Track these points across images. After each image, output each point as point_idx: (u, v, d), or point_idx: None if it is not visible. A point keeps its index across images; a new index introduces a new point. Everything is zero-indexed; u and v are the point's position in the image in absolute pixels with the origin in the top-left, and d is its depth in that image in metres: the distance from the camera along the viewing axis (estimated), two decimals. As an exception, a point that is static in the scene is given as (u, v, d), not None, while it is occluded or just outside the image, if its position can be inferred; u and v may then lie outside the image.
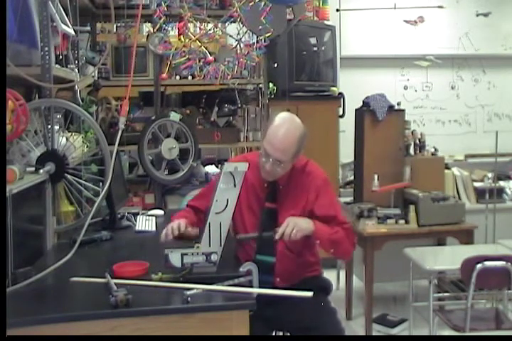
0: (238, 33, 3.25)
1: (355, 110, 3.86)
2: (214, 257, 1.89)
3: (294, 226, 2.05)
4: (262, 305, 1.75)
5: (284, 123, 2.16)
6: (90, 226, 2.32)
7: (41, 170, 2.26)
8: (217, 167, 4.12)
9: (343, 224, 2.23)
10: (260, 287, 1.95)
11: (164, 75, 3.68)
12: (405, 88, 5.63)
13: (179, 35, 3.45)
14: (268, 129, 2.17)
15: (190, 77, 3.78)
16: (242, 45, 3.27)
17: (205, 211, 2.21)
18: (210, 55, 3.26)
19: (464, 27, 5.54)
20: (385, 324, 3.55)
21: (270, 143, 2.13)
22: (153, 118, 3.71)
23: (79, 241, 2.01)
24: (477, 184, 4.17)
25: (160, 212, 3.07)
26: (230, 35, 3.33)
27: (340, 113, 4.67)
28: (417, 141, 3.89)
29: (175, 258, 1.88)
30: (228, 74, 3.25)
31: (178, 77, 3.89)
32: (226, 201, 1.98)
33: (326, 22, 4.73)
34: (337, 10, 5.14)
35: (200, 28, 3.23)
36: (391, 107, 3.79)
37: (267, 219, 2.23)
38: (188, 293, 1.72)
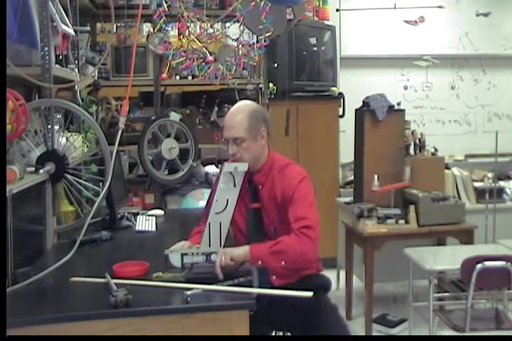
0: (241, 33, 3.26)
1: (355, 110, 3.86)
2: (214, 257, 1.89)
3: (226, 256, 1.94)
4: (261, 305, 1.75)
5: (234, 107, 2.25)
6: (90, 226, 2.32)
7: (41, 170, 2.26)
8: (217, 167, 4.12)
9: (304, 219, 2.08)
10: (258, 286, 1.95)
11: (164, 75, 3.68)
12: (405, 88, 5.64)
13: (179, 35, 3.46)
14: None
15: (190, 77, 3.78)
16: (240, 45, 3.26)
17: None
18: (210, 55, 3.26)
19: (464, 27, 5.54)
20: (385, 324, 3.55)
21: (224, 127, 2.22)
22: (153, 118, 3.71)
23: (79, 241, 2.01)
24: (477, 184, 4.16)
25: (160, 212, 3.07)
26: (227, 35, 3.33)
27: (340, 113, 4.68)
28: (417, 141, 3.89)
29: (175, 258, 1.88)
30: (227, 74, 3.24)
31: (178, 77, 3.89)
32: (226, 201, 1.98)
33: (326, 22, 4.73)
34: (337, 10, 5.14)
35: (200, 27, 3.23)
36: (391, 107, 3.79)
37: (253, 219, 2.25)
38: (188, 293, 1.72)
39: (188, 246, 2.09)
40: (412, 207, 3.47)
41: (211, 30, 3.23)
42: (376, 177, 3.57)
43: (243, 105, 2.27)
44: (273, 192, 2.23)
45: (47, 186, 2.36)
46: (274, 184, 2.24)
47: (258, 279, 1.95)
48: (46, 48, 2.30)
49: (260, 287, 1.95)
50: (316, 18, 4.68)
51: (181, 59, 3.17)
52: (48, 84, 2.32)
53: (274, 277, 2.15)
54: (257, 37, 3.31)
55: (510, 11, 5.65)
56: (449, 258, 3.32)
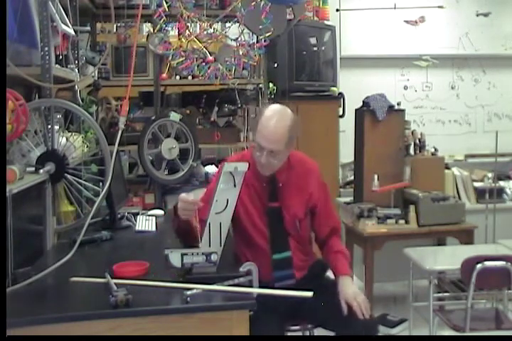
0: (241, 33, 3.26)
1: (355, 110, 3.86)
2: (214, 257, 1.89)
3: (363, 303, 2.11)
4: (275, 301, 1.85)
5: (274, 114, 2.17)
6: (90, 226, 2.32)
7: (41, 170, 2.26)
8: (217, 167, 4.12)
9: (336, 221, 2.43)
10: (282, 282, 2.18)
11: (164, 75, 3.68)
12: (405, 88, 5.63)
13: (179, 35, 3.45)
14: (259, 122, 2.18)
15: (190, 77, 3.78)
16: (239, 45, 3.26)
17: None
18: (210, 55, 3.26)
19: (464, 27, 5.54)
20: (385, 324, 3.54)
21: (262, 135, 2.14)
22: (153, 118, 3.71)
23: (79, 241, 2.01)
24: (477, 184, 4.17)
25: (160, 212, 3.07)
26: (226, 36, 3.33)
27: (340, 113, 4.67)
28: (417, 141, 3.89)
29: (175, 258, 1.88)
30: (227, 75, 3.24)
31: (178, 77, 3.89)
32: (226, 201, 1.98)
33: (326, 22, 4.73)
34: (337, 10, 5.14)
35: (200, 27, 3.23)
36: (391, 107, 3.79)
37: (273, 219, 2.26)
38: (188, 293, 1.72)
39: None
40: (412, 207, 3.47)
41: (211, 30, 3.23)
42: (376, 177, 3.57)
43: (284, 117, 2.17)
44: (297, 187, 2.28)
45: (47, 186, 2.36)
46: (297, 178, 2.29)
47: (282, 276, 2.19)
48: (46, 48, 2.30)
49: (285, 280, 2.19)
50: (316, 18, 4.67)
51: (181, 59, 3.17)
52: (48, 84, 2.32)
53: (295, 271, 2.27)
54: (257, 37, 3.31)
55: (510, 11, 5.64)
56: (449, 258, 3.32)
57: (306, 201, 2.29)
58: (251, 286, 1.85)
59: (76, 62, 3.04)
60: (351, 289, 2.14)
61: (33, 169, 2.28)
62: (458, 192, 4.12)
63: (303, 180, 2.30)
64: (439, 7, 5.33)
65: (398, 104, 3.87)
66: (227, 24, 3.47)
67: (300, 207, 2.28)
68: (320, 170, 2.38)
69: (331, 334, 2.21)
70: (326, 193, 2.36)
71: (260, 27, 3.10)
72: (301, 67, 4.48)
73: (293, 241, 2.28)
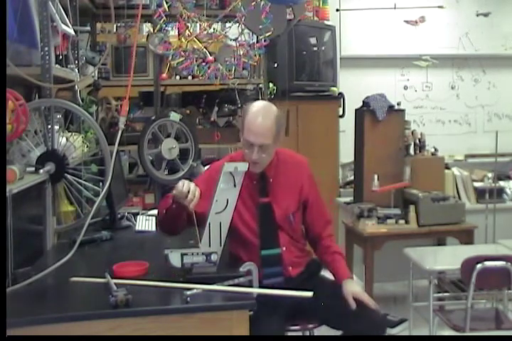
0: (240, 33, 3.26)
1: (355, 110, 3.86)
2: (214, 257, 1.89)
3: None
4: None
5: (260, 110, 2.21)
6: (90, 226, 2.32)
7: (41, 170, 2.26)
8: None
9: (328, 214, 2.45)
10: (270, 280, 2.14)
11: (164, 75, 3.68)
12: (405, 88, 5.64)
13: (179, 35, 3.46)
14: (245, 120, 2.21)
15: (190, 77, 3.78)
16: (239, 45, 3.27)
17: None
18: (210, 55, 3.26)
19: (464, 27, 5.54)
20: (385, 324, 3.54)
21: (251, 131, 2.17)
22: (153, 118, 3.71)
23: (79, 241, 2.01)
24: (477, 184, 4.16)
25: (160, 212, 3.07)
26: (226, 36, 3.33)
27: (340, 113, 4.68)
28: (417, 141, 3.89)
29: (175, 258, 1.88)
30: (227, 75, 3.24)
31: (178, 77, 3.89)
32: (226, 201, 1.98)
33: (326, 22, 4.73)
34: (337, 10, 5.14)
35: (200, 27, 3.23)
36: (391, 107, 3.79)
37: (264, 214, 2.27)
38: (188, 293, 1.72)
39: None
40: (412, 207, 3.47)
41: (211, 30, 3.24)
42: (376, 177, 3.57)
43: (270, 111, 2.21)
44: (288, 182, 2.30)
45: (47, 186, 2.36)
46: (286, 173, 2.31)
47: (271, 273, 2.17)
48: (46, 48, 2.30)
49: (273, 277, 2.17)
50: (316, 18, 4.67)
51: (181, 59, 3.17)
52: (48, 84, 2.32)
53: (290, 268, 2.27)
54: (257, 37, 3.31)
55: (510, 11, 5.64)
56: (449, 258, 3.32)
57: (298, 194, 2.31)
58: (251, 286, 1.86)
59: (76, 62, 3.04)
60: (357, 288, 2.23)
61: (33, 169, 2.28)
62: (458, 192, 4.11)
63: (293, 173, 2.32)
64: (439, 7, 5.33)
65: (398, 104, 3.87)
66: (227, 24, 3.47)
67: (292, 200, 2.30)
68: (310, 167, 2.40)
69: (333, 332, 2.22)
70: (316, 187, 2.39)
71: (260, 27, 3.10)
72: (301, 67, 4.49)
73: (285, 236, 2.28)
